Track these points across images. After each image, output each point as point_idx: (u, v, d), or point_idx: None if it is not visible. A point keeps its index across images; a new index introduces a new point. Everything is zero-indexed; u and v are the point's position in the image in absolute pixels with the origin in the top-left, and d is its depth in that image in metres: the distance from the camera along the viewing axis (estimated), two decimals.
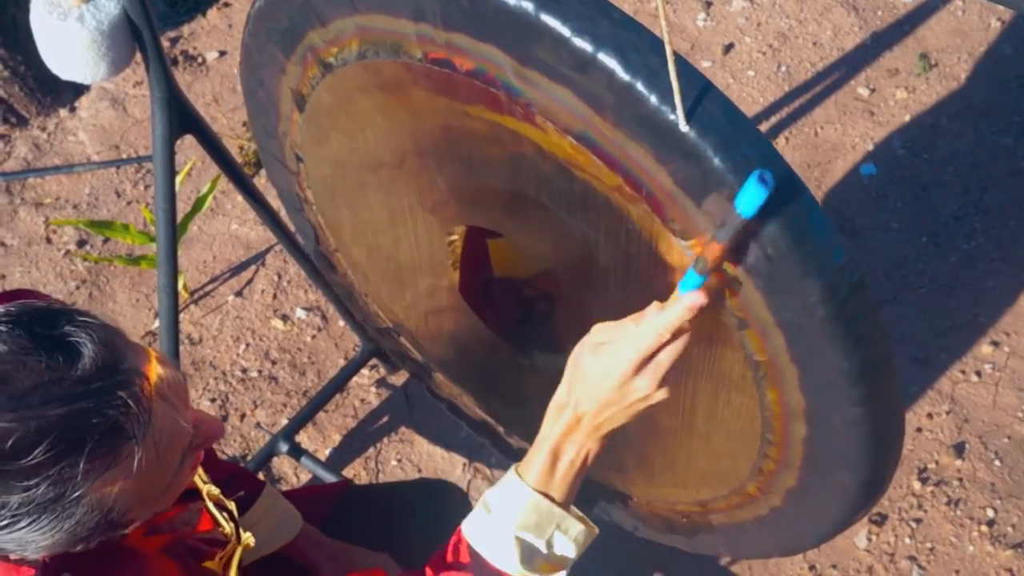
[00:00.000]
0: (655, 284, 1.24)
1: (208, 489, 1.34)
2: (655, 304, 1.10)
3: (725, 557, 2.40)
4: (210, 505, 1.33)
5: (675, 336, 1.09)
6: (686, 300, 1.07)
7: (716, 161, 1.01)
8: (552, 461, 1.17)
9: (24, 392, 0.91)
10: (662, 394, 1.12)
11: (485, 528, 1.19)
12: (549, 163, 1.20)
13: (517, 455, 1.96)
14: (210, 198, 2.82)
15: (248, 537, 1.39)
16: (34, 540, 0.95)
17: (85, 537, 0.98)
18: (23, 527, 0.93)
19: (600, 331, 1.15)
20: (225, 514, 1.35)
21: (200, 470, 1.35)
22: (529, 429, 1.84)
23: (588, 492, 1.84)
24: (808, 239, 1.04)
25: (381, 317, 1.93)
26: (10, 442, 0.89)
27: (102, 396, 0.93)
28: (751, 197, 0.97)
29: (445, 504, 1.86)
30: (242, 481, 1.58)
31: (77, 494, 0.93)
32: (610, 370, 1.11)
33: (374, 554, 1.67)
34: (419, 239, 1.58)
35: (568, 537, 1.20)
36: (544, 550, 1.18)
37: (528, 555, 1.17)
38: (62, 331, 0.95)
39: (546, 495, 1.17)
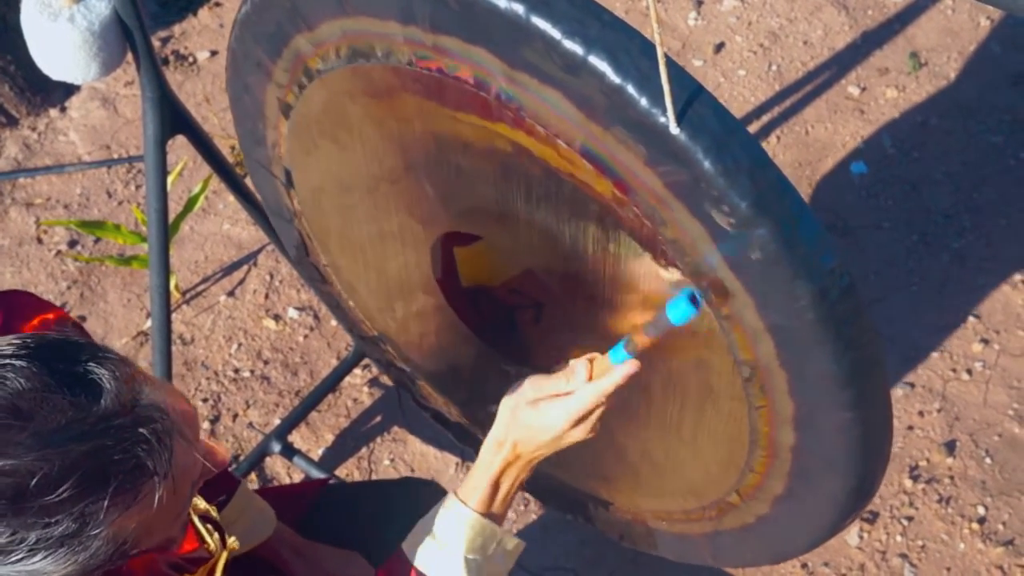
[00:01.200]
0: (644, 293, 1.24)
1: (193, 503, 1.33)
2: (583, 365, 1.23)
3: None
4: (196, 520, 1.33)
5: (612, 397, 1.22)
6: (623, 370, 1.19)
7: (707, 164, 1.01)
8: (493, 490, 1.30)
9: (49, 430, 0.90)
10: (593, 433, 1.25)
11: (435, 555, 1.30)
12: (539, 169, 1.20)
13: None
14: (202, 198, 2.82)
15: (233, 541, 1.39)
16: (47, 571, 0.94)
17: (96, 567, 0.97)
18: (38, 560, 0.92)
19: (534, 386, 1.27)
20: (209, 525, 1.35)
21: None
22: None
23: (574, 501, 1.84)
24: (798, 242, 1.04)
25: (367, 326, 1.92)
26: (34, 480, 0.89)
27: (125, 433, 0.93)
28: (681, 312, 1.07)
29: (424, 502, 1.86)
30: (219, 479, 1.58)
31: (97, 530, 0.93)
32: (546, 426, 1.24)
33: (344, 552, 1.67)
34: (407, 249, 1.58)
35: (506, 550, 1.32)
36: (486, 565, 1.31)
37: (474, 571, 1.29)
38: (84, 367, 0.94)
39: (489, 518, 1.30)
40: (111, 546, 0.96)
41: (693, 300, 1.06)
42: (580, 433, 1.24)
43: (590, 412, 1.22)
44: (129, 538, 0.97)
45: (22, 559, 0.92)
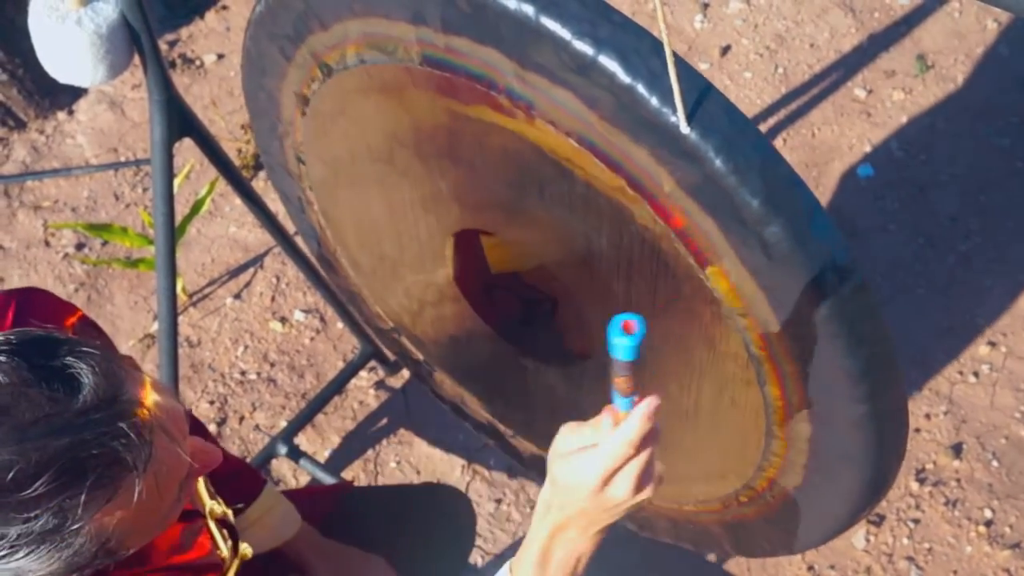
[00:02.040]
0: (658, 286, 1.24)
1: (211, 507, 1.33)
2: (608, 413, 1.06)
3: (727, 556, 2.41)
4: (212, 525, 1.32)
5: (643, 444, 1.04)
6: (638, 413, 1.02)
7: (718, 163, 1.02)
8: (543, 561, 1.13)
9: (26, 424, 0.90)
10: (647, 493, 1.07)
11: None
12: (551, 165, 1.20)
13: (522, 458, 1.96)
14: (208, 200, 2.83)
15: (245, 548, 1.38)
16: (31, 570, 0.94)
17: (82, 565, 0.97)
18: (20, 557, 0.92)
19: (565, 437, 1.10)
20: (225, 531, 1.34)
21: (203, 479, 1.34)
22: (534, 431, 1.84)
23: None
24: (811, 240, 1.04)
25: (384, 318, 1.93)
26: (11, 474, 0.88)
27: (103, 427, 0.92)
28: (621, 348, 0.96)
29: (447, 508, 1.86)
30: (245, 478, 1.58)
31: (77, 525, 0.92)
32: (579, 483, 1.07)
33: (370, 555, 1.67)
34: (421, 241, 1.59)
35: None
36: None
37: None
38: (63, 362, 0.94)
39: None
40: (95, 544, 0.95)
41: (626, 329, 0.95)
42: (624, 492, 1.05)
43: (620, 465, 1.04)
44: (113, 536, 0.96)
45: (4, 556, 0.92)
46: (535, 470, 1.98)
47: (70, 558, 0.94)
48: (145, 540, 1.05)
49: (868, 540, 2.41)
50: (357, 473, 2.59)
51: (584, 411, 1.64)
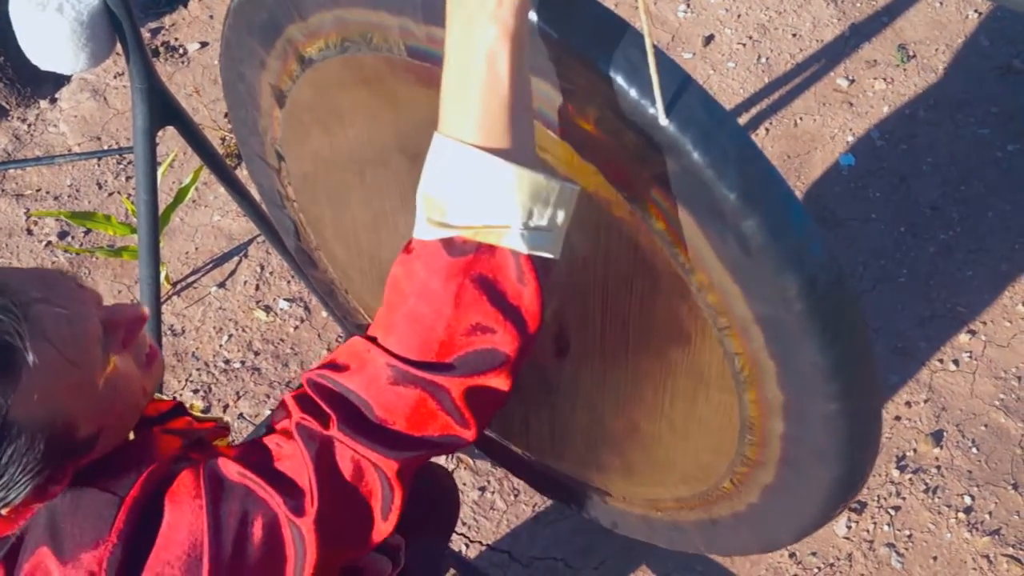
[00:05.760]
0: (635, 280, 1.24)
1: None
2: None
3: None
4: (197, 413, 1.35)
5: None
6: None
7: (695, 155, 1.02)
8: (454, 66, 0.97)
9: None
10: None
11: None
12: None
13: (496, 454, 1.95)
14: (192, 189, 2.82)
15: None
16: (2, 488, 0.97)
17: (48, 462, 0.99)
18: None
19: None
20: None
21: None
22: (509, 425, 1.84)
23: (569, 490, 1.85)
24: (787, 233, 1.04)
25: (362, 314, 1.93)
26: None
27: None
28: None
29: (432, 487, 1.87)
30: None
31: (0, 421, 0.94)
32: None
33: None
34: (401, 236, 1.58)
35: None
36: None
37: None
38: None
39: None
40: (40, 434, 0.97)
41: None
42: None
43: None
44: (55, 421, 0.99)
45: None
46: (509, 467, 1.98)
47: (25, 457, 0.97)
48: (111, 422, 1.07)
49: (849, 527, 2.42)
50: None
51: (560, 409, 1.64)
